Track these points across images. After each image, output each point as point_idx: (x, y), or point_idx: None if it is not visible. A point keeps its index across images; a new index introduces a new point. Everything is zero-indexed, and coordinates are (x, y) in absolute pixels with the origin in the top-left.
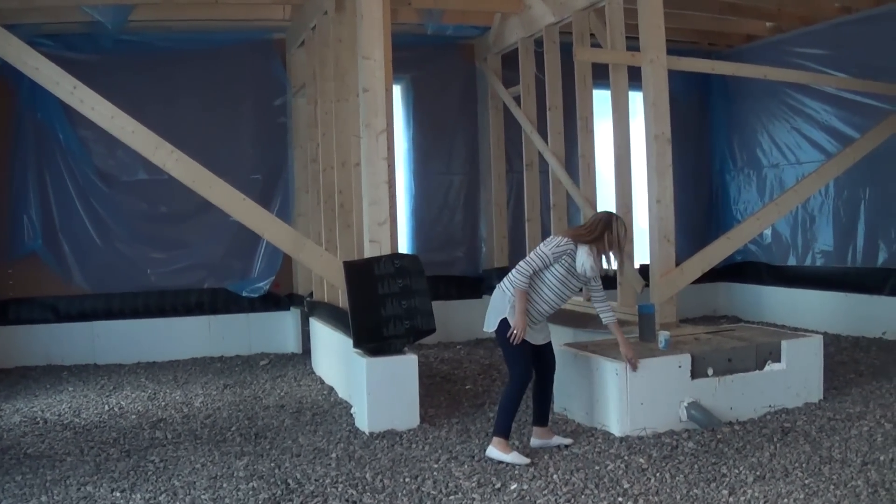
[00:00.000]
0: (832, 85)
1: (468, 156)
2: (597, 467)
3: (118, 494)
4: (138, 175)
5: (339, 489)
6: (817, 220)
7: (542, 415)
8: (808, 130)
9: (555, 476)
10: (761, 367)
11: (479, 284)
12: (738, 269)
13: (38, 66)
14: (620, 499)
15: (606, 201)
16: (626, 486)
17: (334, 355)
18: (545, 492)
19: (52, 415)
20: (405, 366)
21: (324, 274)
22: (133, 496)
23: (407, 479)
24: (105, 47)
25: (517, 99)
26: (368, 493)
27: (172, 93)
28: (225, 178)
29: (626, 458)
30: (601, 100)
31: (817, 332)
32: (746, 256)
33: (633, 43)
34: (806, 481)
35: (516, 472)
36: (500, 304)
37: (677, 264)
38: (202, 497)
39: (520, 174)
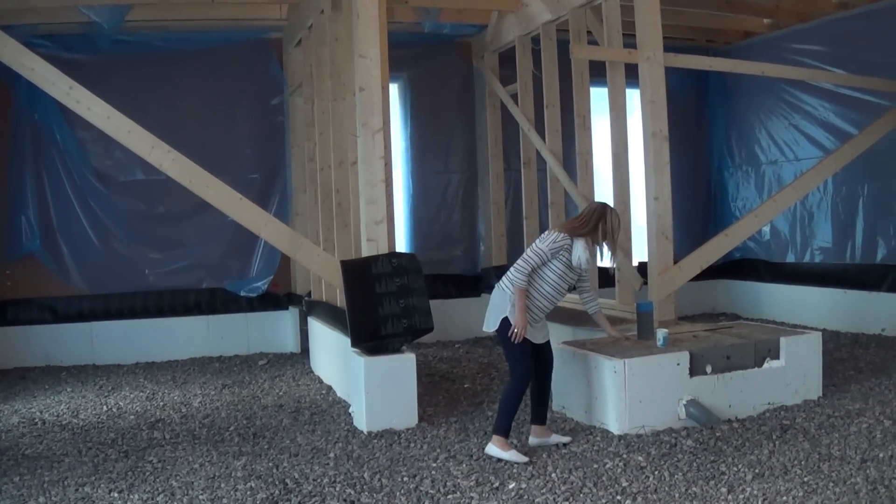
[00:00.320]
0: (830, 81)
1: (466, 154)
2: (595, 465)
3: (116, 495)
4: (136, 175)
5: (338, 489)
6: (816, 217)
7: (540, 413)
8: (806, 127)
9: (553, 474)
10: (760, 365)
11: (477, 283)
12: (737, 266)
13: (34, 66)
14: (619, 497)
15: (604, 199)
16: (625, 484)
17: (333, 354)
18: (543, 490)
19: (50, 415)
20: (403, 365)
21: (321, 273)
22: (131, 497)
23: (405, 479)
24: (101, 48)
25: (514, 97)
26: (366, 493)
27: (169, 93)
28: (222, 178)
29: (624, 456)
30: (598, 97)
31: (816, 329)
32: (745, 253)
33: (630, 40)
34: (805, 479)
35: (514, 470)
36: (501, 303)
37: (675, 262)
38: (200, 497)
39: (518, 172)
